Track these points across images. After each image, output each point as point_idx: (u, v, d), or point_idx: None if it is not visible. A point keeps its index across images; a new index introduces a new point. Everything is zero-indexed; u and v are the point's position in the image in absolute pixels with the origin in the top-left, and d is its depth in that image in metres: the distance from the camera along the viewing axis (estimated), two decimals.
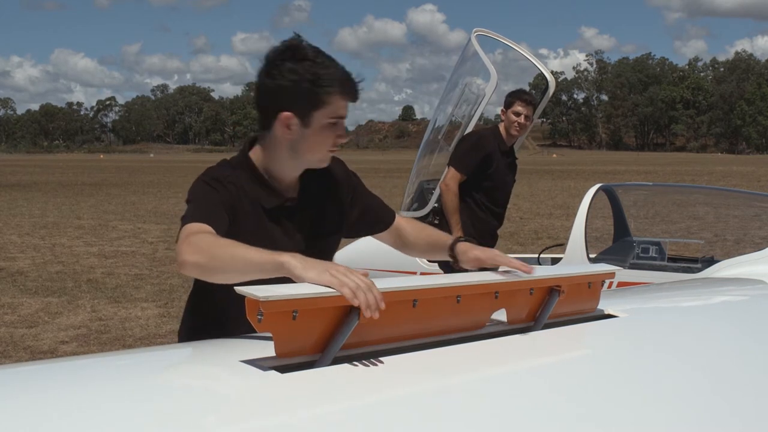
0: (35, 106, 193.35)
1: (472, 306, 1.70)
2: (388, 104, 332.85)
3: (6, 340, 6.49)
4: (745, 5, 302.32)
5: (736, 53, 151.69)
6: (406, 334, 1.57)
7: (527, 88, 6.97)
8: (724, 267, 4.43)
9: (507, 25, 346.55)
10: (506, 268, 1.94)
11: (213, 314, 2.13)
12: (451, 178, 5.04)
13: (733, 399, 1.47)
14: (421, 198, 5.64)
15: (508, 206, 5.42)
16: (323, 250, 2.14)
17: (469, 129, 5.48)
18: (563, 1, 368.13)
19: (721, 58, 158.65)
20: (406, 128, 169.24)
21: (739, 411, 1.41)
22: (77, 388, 1.28)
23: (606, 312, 2.03)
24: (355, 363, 1.41)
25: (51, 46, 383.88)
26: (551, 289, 1.87)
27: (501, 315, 1.82)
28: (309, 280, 1.55)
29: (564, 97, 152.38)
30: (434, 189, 5.39)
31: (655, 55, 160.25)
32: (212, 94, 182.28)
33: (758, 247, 4.61)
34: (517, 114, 5.09)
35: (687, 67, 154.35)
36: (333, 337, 1.44)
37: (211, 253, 1.80)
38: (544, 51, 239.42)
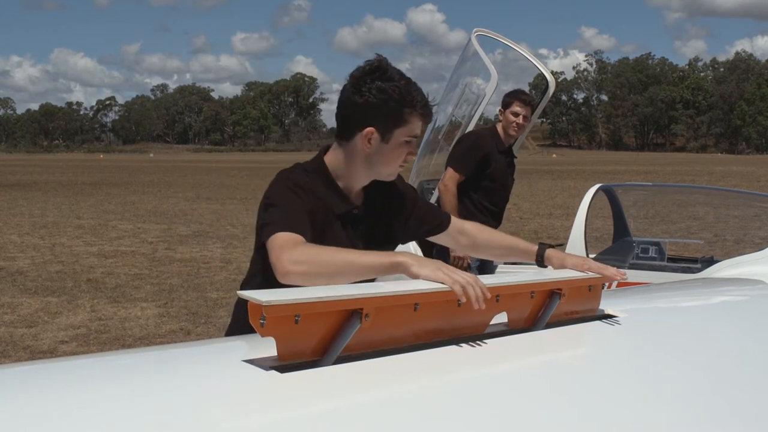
0: (35, 106, 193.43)
1: (473, 309, 1.71)
2: None
3: (5, 339, 6.49)
4: (745, 5, 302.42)
5: (736, 53, 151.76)
6: (408, 337, 1.57)
7: (527, 88, 6.98)
8: (723, 267, 4.43)
9: (507, 25, 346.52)
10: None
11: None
12: (449, 178, 5.04)
13: (732, 399, 1.47)
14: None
15: (508, 206, 5.42)
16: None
17: (469, 129, 5.48)
18: (563, 1, 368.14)
19: (721, 58, 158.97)
20: None
21: (738, 411, 1.41)
22: (77, 388, 1.28)
23: (605, 312, 2.03)
24: (355, 362, 1.41)
25: (51, 45, 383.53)
26: (552, 293, 1.88)
27: (502, 318, 1.82)
28: (424, 277, 1.73)
29: (564, 97, 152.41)
30: (434, 189, 5.40)
31: (655, 55, 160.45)
32: (212, 93, 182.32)
33: (758, 248, 4.61)
34: (516, 114, 5.09)
35: (687, 67, 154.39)
36: (334, 340, 1.45)
37: (318, 262, 1.95)
38: (543, 51, 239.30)
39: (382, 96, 2.14)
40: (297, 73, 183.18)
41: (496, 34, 5.89)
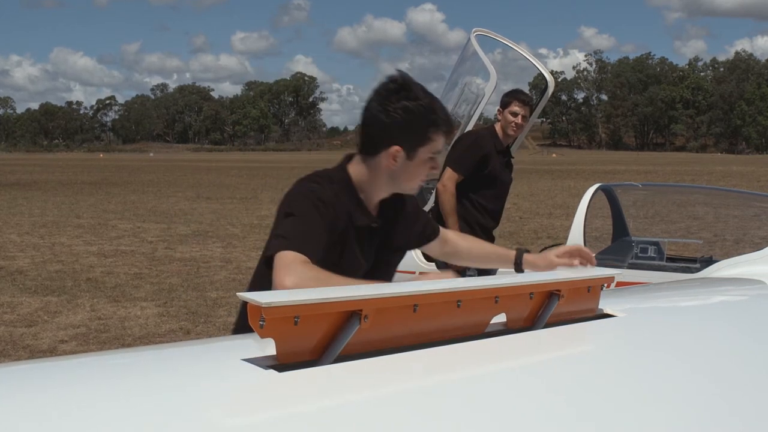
0: (35, 105, 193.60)
1: (472, 310, 1.71)
2: None
3: (5, 339, 6.49)
4: (745, 5, 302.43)
5: (736, 53, 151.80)
6: (407, 338, 1.58)
7: (527, 88, 6.98)
8: (722, 267, 4.43)
9: (506, 24, 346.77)
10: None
11: None
12: (448, 178, 5.04)
13: (732, 399, 1.47)
14: (419, 198, 5.64)
15: (507, 206, 5.42)
16: (390, 263, 2.43)
17: (469, 129, 5.48)
18: (563, 0, 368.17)
19: (721, 58, 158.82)
20: None
21: (738, 411, 1.41)
22: (76, 387, 1.28)
23: (604, 311, 2.04)
24: (354, 361, 1.42)
25: (50, 44, 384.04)
26: (551, 293, 1.88)
27: (500, 319, 1.83)
28: None
29: (564, 97, 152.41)
30: (433, 189, 5.40)
31: (655, 55, 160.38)
32: (212, 93, 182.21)
33: (757, 247, 4.61)
34: (514, 114, 5.09)
35: (687, 67, 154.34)
36: (333, 342, 1.45)
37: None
38: (543, 51, 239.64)
39: (408, 116, 2.18)
40: (297, 73, 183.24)
41: (495, 33, 5.89)
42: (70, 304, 7.89)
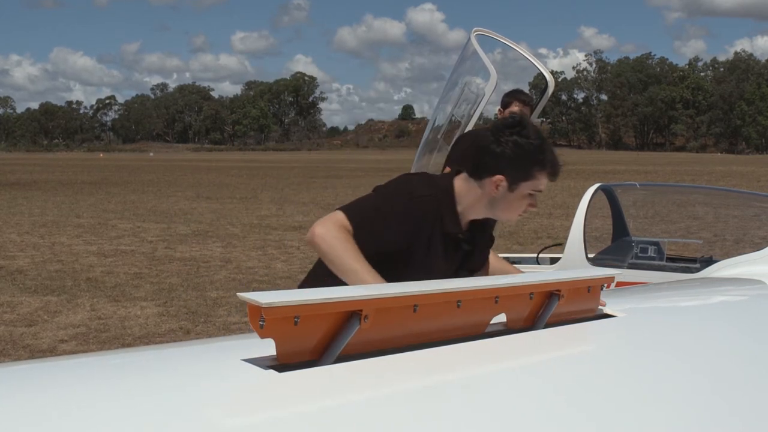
0: (35, 105, 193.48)
1: (472, 310, 1.71)
2: (387, 103, 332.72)
3: (5, 338, 6.49)
4: (745, 5, 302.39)
5: (736, 53, 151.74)
6: (407, 338, 1.58)
7: (527, 88, 6.98)
8: (722, 267, 4.43)
9: (506, 24, 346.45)
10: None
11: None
12: None
13: (732, 399, 1.47)
14: None
15: None
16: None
17: (469, 128, 5.47)
18: (563, 0, 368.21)
19: (721, 58, 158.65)
20: (406, 127, 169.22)
21: (737, 411, 1.41)
22: (76, 387, 1.28)
23: (604, 312, 2.04)
24: (354, 361, 1.42)
25: (50, 44, 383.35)
26: (551, 294, 1.88)
27: (500, 319, 1.83)
28: None
29: (564, 97, 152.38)
30: None
31: (655, 55, 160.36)
32: (212, 93, 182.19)
33: (757, 247, 4.61)
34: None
35: (687, 66, 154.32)
36: (334, 342, 1.45)
37: (336, 254, 2.28)
38: (543, 50, 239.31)
39: (516, 150, 2.34)
40: (297, 73, 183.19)
41: (495, 33, 5.88)
42: (70, 303, 7.89)
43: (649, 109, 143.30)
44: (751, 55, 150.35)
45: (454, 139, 5.44)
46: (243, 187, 30.54)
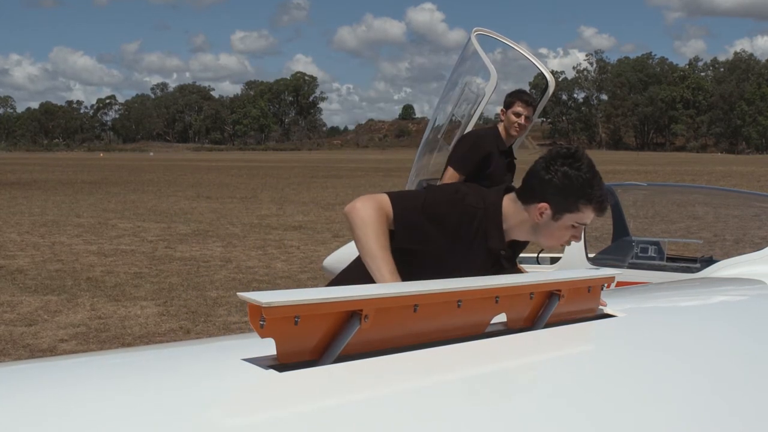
0: (35, 105, 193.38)
1: (472, 310, 1.71)
2: (387, 103, 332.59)
3: (5, 338, 6.49)
4: (745, 5, 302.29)
5: (736, 53, 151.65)
6: (407, 338, 1.58)
7: (527, 88, 6.97)
8: (723, 267, 4.43)
9: (506, 24, 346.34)
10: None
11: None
12: (449, 177, 5.03)
13: (732, 399, 1.47)
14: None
15: None
16: None
17: (469, 128, 5.47)
18: (563, 0, 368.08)
19: (721, 58, 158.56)
20: (406, 127, 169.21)
21: (737, 411, 1.41)
22: (76, 387, 1.28)
23: (604, 312, 2.04)
24: (354, 361, 1.41)
25: (50, 44, 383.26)
26: (551, 294, 1.88)
27: (501, 319, 1.83)
28: None
29: (564, 97, 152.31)
30: None
31: (655, 55, 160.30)
32: (212, 92, 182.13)
33: (757, 247, 4.61)
34: (518, 114, 5.08)
35: (687, 66, 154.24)
36: (334, 341, 1.45)
37: (367, 235, 2.34)
38: (543, 50, 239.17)
39: (565, 181, 2.35)
40: (297, 72, 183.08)
41: (496, 33, 5.88)
42: (70, 303, 7.89)
43: (649, 109, 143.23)
44: (752, 55, 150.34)
45: (455, 139, 5.44)
46: (243, 186, 30.54)
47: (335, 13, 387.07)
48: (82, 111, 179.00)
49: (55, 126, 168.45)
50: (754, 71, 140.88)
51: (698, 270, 4.72)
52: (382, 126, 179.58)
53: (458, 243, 2.45)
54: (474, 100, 5.60)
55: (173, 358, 1.58)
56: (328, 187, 30.57)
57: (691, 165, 57.71)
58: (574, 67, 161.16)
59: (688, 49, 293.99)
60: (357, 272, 2.49)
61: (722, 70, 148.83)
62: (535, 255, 5.76)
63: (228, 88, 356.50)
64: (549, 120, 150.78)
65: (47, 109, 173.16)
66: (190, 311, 7.61)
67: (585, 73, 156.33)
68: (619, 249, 5.44)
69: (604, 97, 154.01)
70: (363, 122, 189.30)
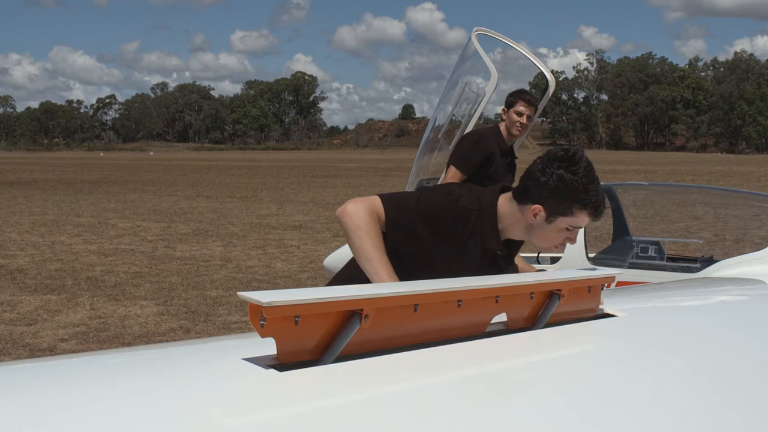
0: (35, 104, 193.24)
1: (472, 310, 1.71)
2: (387, 103, 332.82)
3: (5, 337, 6.49)
4: (745, 5, 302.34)
5: (736, 53, 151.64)
6: (407, 338, 1.58)
7: (527, 87, 6.98)
8: (723, 267, 4.43)
9: (506, 24, 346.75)
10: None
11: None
12: (451, 177, 5.03)
13: (732, 399, 1.47)
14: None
15: None
16: None
17: (470, 128, 5.47)
18: (563, 0, 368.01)
19: (721, 58, 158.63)
20: (406, 127, 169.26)
21: (738, 411, 1.41)
22: (76, 386, 1.28)
23: (605, 311, 2.04)
24: (354, 361, 1.41)
25: (50, 43, 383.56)
26: (551, 293, 1.88)
27: (501, 319, 1.83)
28: None
29: (564, 96, 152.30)
30: None
31: (655, 55, 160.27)
32: (212, 92, 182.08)
33: (758, 247, 4.61)
34: (520, 114, 5.08)
35: (687, 66, 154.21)
36: (334, 341, 1.45)
37: (359, 236, 2.34)
38: (543, 50, 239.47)
39: (560, 185, 2.32)
40: (297, 72, 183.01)
41: (496, 33, 5.88)
42: (70, 302, 7.89)
43: (649, 109, 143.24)
44: (752, 55, 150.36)
45: (456, 139, 5.44)
46: (243, 186, 30.53)
47: (335, 12, 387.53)
48: (82, 110, 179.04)
49: (55, 125, 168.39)
50: (754, 71, 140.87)
51: (698, 270, 4.72)
52: (382, 126, 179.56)
53: (452, 244, 2.43)
54: (474, 99, 5.60)
55: (173, 357, 1.58)
56: (328, 186, 30.57)
57: (691, 165, 57.71)
58: (574, 67, 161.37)
59: (688, 49, 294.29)
60: (350, 274, 2.49)
61: (722, 70, 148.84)
62: (536, 255, 5.76)
63: (228, 88, 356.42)
64: (549, 120, 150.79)
65: (47, 108, 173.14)
66: (190, 311, 7.61)
67: (585, 72, 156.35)
68: (619, 249, 5.44)
69: (604, 96, 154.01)
70: (363, 122, 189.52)
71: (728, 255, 5.08)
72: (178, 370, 1.44)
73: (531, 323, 1.87)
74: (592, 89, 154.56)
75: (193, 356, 1.60)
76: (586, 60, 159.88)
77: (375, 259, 2.31)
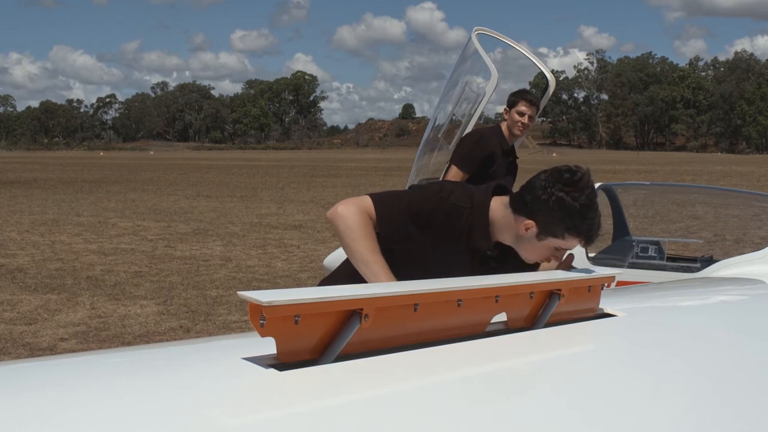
0: (35, 103, 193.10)
1: (472, 310, 1.71)
2: (387, 102, 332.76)
3: (5, 337, 6.49)
4: (745, 5, 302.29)
5: (736, 53, 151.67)
6: (407, 337, 1.58)
7: (527, 87, 6.98)
8: (723, 267, 4.43)
9: (506, 23, 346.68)
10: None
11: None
12: (452, 176, 5.03)
13: (732, 399, 1.47)
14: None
15: None
16: None
17: (470, 128, 5.47)
18: (563, 0, 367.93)
19: (721, 58, 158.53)
20: (406, 126, 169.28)
21: (738, 411, 1.41)
22: (76, 386, 1.28)
23: (604, 311, 2.04)
24: (354, 360, 1.41)
25: (50, 42, 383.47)
26: (551, 293, 1.88)
27: (501, 318, 1.83)
28: None
29: (564, 96, 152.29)
30: None
31: (655, 55, 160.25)
32: (212, 91, 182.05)
33: (757, 247, 4.61)
34: (521, 114, 5.08)
35: (687, 66, 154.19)
36: (334, 341, 1.45)
37: (351, 237, 2.32)
38: (543, 50, 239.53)
39: (557, 206, 2.29)
40: (297, 71, 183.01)
41: (496, 32, 5.88)
42: (70, 302, 7.89)
43: (649, 109, 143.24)
44: (752, 54, 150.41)
45: (456, 139, 5.44)
46: (243, 185, 30.53)
47: (335, 12, 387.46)
48: (82, 110, 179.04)
49: (55, 125, 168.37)
50: (754, 71, 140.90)
51: (698, 270, 4.72)
52: (382, 125, 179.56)
53: (444, 242, 2.42)
54: (474, 99, 5.60)
55: (173, 357, 1.58)
56: (328, 186, 30.57)
57: (691, 165, 57.70)
58: (574, 66, 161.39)
59: (688, 48, 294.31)
60: (350, 268, 2.47)
61: (722, 69, 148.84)
62: None
63: (228, 87, 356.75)
64: (549, 119, 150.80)
65: (47, 107, 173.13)
66: (190, 310, 7.61)
67: (585, 72, 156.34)
68: (619, 248, 5.44)
69: (605, 96, 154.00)
70: (363, 121, 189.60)
71: (728, 255, 5.08)
72: (178, 369, 1.44)
73: (531, 323, 1.87)
74: (593, 89, 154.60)
75: (193, 356, 1.60)
76: (586, 59, 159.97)
77: (372, 261, 2.29)
